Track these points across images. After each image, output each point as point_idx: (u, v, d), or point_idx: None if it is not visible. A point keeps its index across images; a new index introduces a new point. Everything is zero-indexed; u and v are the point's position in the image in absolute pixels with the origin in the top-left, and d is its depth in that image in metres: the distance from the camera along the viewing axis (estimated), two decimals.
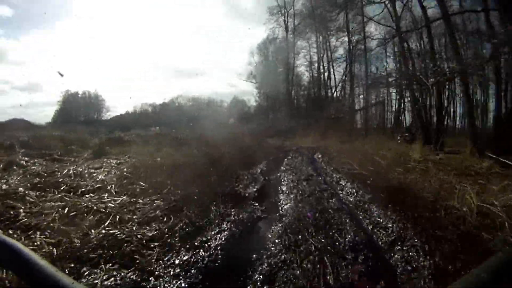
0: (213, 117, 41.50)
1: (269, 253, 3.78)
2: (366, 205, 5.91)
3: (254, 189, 7.48)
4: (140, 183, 6.99)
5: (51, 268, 0.73)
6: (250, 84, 39.95)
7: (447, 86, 20.84)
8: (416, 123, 19.42)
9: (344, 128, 28.90)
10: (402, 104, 24.73)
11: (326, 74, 33.90)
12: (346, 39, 31.42)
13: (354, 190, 7.14)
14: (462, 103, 23.59)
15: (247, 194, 6.89)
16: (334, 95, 33.61)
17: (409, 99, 22.06)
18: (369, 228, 4.85)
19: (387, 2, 19.81)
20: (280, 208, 5.94)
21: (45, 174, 7.29)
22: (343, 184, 8.02)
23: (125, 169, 8.38)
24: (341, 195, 7.02)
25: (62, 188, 6.17)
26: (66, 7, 61.71)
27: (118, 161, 10.14)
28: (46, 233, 3.95)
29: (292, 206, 5.88)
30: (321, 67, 34.21)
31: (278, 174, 9.61)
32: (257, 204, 6.19)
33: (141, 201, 5.86)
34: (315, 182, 8.24)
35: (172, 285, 3.08)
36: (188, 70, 61.10)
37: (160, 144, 14.88)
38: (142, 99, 70.66)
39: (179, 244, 3.94)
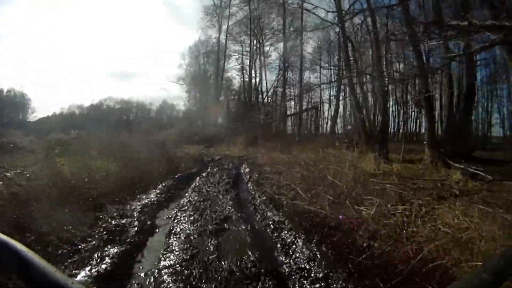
0: (140, 120, 38.20)
1: None
2: None
3: (93, 270, 2.94)
4: None
5: (50, 267, 0.67)
6: (181, 89, 36.09)
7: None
8: (359, 129, 16.23)
9: (276, 134, 25.38)
10: (339, 109, 21.99)
11: (257, 79, 30.65)
12: (281, 44, 28.97)
13: (321, 273, 2.96)
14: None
15: None
16: (265, 100, 30.39)
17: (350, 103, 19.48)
18: None
19: None
20: None
21: None
22: (289, 242, 3.83)
23: None
24: None
25: None
26: None
27: None
28: None
29: None
30: (253, 71, 30.93)
31: (173, 213, 5.12)
32: None
33: None
34: (234, 238, 3.93)
35: None
36: (121, 71, 54.69)
37: (53, 153, 9.78)
38: (73, 99, 63.01)
39: None
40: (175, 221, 4.62)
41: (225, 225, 4.37)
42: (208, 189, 6.77)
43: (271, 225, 4.59)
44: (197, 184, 7.40)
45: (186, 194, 6.30)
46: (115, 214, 4.76)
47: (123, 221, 4.47)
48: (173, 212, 5.14)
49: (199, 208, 5.18)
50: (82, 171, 6.94)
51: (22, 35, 54.77)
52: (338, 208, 5.18)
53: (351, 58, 16.85)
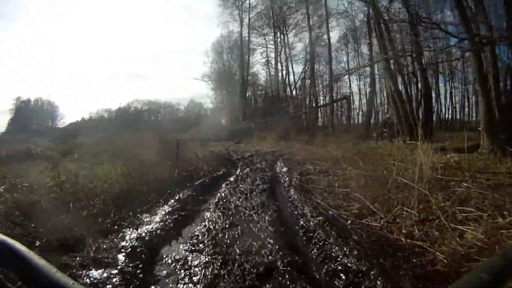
0: (169, 121, 37.28)
1: None
2: None
3: None
4: None
5: (51, 268, 0.65)
6: (207, 86, 34.95)
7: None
8: (400, 116, 13.66)
9: (307, 127, 23.09)
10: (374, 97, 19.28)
11: (284, 71, 28.45)
12: (306, 34, 26.92)
13: None
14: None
15: None
16: (293, 93, 28.16)
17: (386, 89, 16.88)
18: None
19: None
20: None
21: None
22: None
23: None
24: None
25: None
26: (18, 7, 51.57)
27: None
28: None
29: None
30: (279, 64, 28.75)
31: (183, 254, 3.13)
32: None
33: None
34: None
35: None
36: (146, 72, 54.16)
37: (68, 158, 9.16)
38: (100, 104, 63.92)
39: None
40: (182, 275, 2.63)
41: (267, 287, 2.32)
42: (237, 203, 4.75)
43: (343, 277, 2.52)
44: (223, 194, 5.39)
45: (207, 214, 4.30)
46: (90, 257, 2.86)
47: (96, 276, 2.56)
48: (182, 252, 3.16)
49: (223, 245, 3.14)
50: (84, 179, 5.20)
51: (47, 43, 55.04)
52: (430, 230, 3.10)
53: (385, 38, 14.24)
